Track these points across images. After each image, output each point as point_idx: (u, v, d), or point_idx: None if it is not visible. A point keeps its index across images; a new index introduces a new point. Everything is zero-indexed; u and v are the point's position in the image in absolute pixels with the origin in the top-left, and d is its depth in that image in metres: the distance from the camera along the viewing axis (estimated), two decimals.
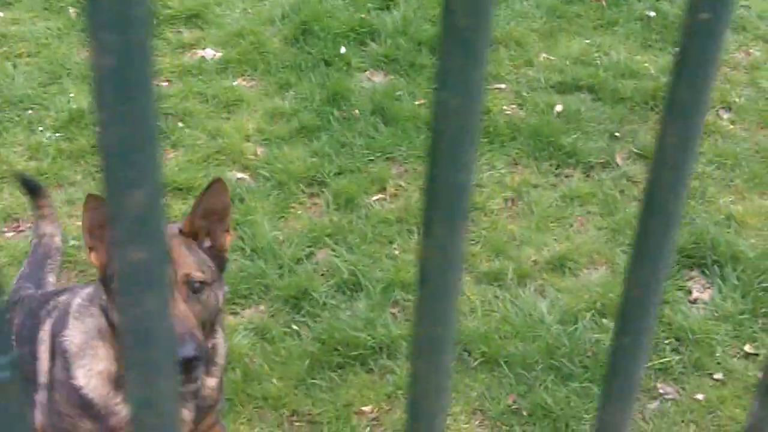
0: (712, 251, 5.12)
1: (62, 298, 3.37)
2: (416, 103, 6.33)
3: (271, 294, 4.94)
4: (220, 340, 3.20)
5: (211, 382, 3.20)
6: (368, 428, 4.27)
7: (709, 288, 5.00)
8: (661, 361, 4.55)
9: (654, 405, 4.38)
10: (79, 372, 3.05)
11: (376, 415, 4.33)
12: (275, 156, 5.87)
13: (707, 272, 5.07)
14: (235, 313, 4.83)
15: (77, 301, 3.16)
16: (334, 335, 4.62)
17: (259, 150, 5.99)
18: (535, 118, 6.25)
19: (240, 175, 5.81)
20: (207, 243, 2.98)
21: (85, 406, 3.04)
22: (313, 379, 4.45)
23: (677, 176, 1.06)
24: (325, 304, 4.86)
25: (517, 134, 6.09)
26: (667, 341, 4.64)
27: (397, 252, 5.22)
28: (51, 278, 4.17)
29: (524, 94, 6.49)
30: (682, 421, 4.30)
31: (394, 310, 4.86)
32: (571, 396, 4.35)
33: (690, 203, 5.54)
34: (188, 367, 2.72)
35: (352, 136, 5.99)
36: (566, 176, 5.84)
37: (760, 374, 4.48)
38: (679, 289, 4.96)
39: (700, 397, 4.40)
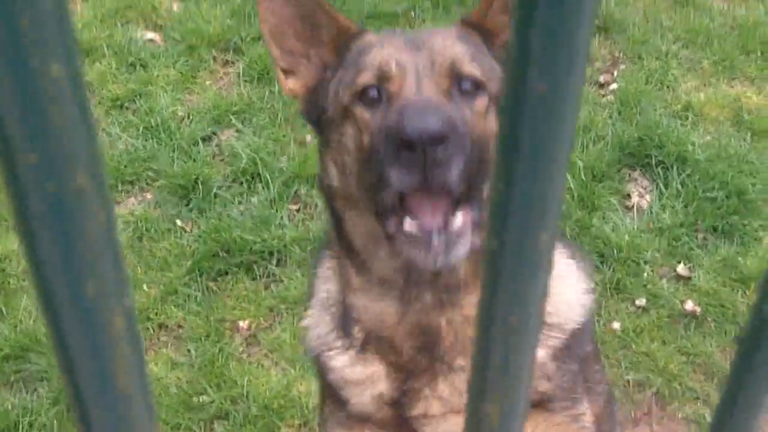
0: (658, 150, 4.53)
1: None
2: None
3: (160, 182, 4.45)
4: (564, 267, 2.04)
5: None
6: (241, 347, 3.85)
7: (650, 193, 4.45)
8: None
9: None
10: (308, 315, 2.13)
11: (253, 332, 3.90)
12: (191, 14, 5.27)
13: (651, 174, 4.51)
14: (116, 203, 4.35)
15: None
16: (221, 235, 4.14)
17: (175, 5, 5.38)
18: None
19: (150, 35, 5.23)
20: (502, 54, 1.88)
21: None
22: (188, 287, 4.01)
23: None
24: (216, 196, 4.37)
25: None
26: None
27: (308, 137, 4.68)
28: None
29: None
30: None
31: (294, 207, 4.37)
32: None
33: (646, 88, 4.92)
34: (427, 156, 1.55)
35: None
36: None
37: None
38: (615, 194, 4.41)
39: (615, 326, 3.92)
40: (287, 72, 1.92)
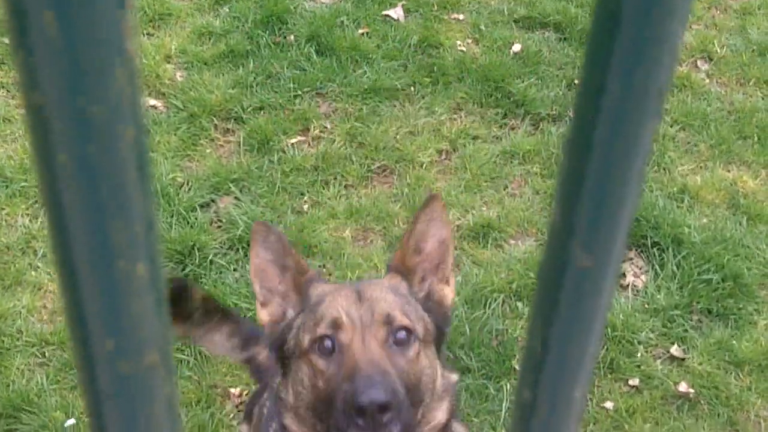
0: (654, 231, 4.56)
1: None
2: (360, 31, 5.72)
3: None
4: None
5: None
6: (232, 414, 3.84)
7: (645, 273, 4.47)
8: None
9: None
10: None
11: (244, 399, 3.88)
12: (194, 83, 5.31)
13: (646, 255, 4.53)
14: None
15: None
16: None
17: (179, 74, 5.43)
18: (489, 57, 5.62)
19: (152, 102, 5.27)
20: (425, 291, 2.32)
21: None
22: (181, 352, 4.00)
23: None
24: (212, 262, 4.38)
25: (466, 75, 5.49)
26: None
27: (306, 206, 4.71)
28: None
29: (482, 27, 5.85)
30: None
31: None
32: (461, 394, 3.88)
33: None
34: (375, 420, 2.01)
35: (281, 66, 5.41)
36: (511, 128, 5.26)
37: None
38: None
39: (609, 405, 3.92)
40: (263, 304, 2.30)
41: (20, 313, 4.10)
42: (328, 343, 2.12)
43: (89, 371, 0.45)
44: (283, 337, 2.25)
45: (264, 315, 2.29)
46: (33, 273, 4.25)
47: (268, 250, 2.26)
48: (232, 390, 3.89)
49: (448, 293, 2.31)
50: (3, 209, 4.56)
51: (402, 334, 2.15)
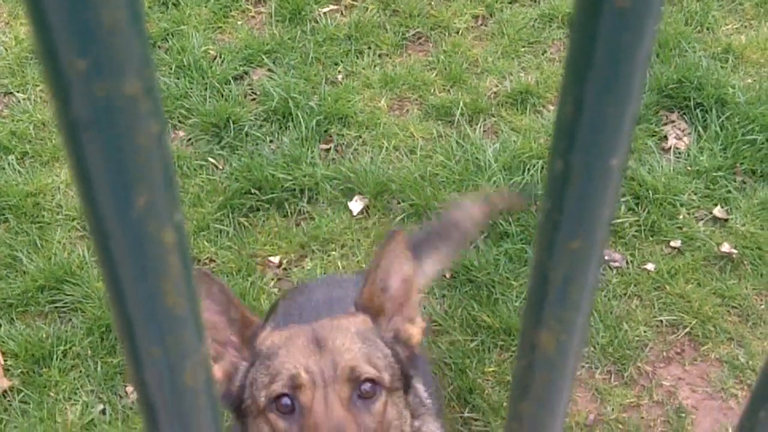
0: (697, 92, 4.45)
1: None
2: None
3: (192, 120, 4.43)
4: None
5: None
6: (272, 282, 3.86)
7: (688, 135, 4.38)
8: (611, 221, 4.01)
9: None
10: None
11: (285, 266, 3.90)
12: None
13: (689, 117, 4.44)
14: None
15: None
16: (253, 173, 4.13)
17: None
18: None
19: None
20: (392, 331, 2.17)
21: None
22: (220, 223, 4.01)
23: None
24: (248, 134, 4.35)
25: None
26: (623, 198, 4.08)
27: (340, 77, 4.64)
28: None
29: None
30: (625, 294, 3.81)
31: (324, 146, 4.34)
32: (500, 259, 3.87)
33: (685, 30, 4.82)
34: None
35: None
36: None
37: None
38: (653, 135, 4.35)
39: (650, 267, 3.89)
40: (215, 360, 2.11)
41: (59, 188, 4.12)
42: (286, 401, 1.97)
43: (63, 96, 0.40)
44: (240, 395, 2.09)
45: (217, 371, 2.11)
46: None
47: (214, 302, 2.08)
48: (272, 258, 3.90)
49: (415, 333, 2.16)
50: (37, 86, 4.54)
51: (367, 386, 2.00)
